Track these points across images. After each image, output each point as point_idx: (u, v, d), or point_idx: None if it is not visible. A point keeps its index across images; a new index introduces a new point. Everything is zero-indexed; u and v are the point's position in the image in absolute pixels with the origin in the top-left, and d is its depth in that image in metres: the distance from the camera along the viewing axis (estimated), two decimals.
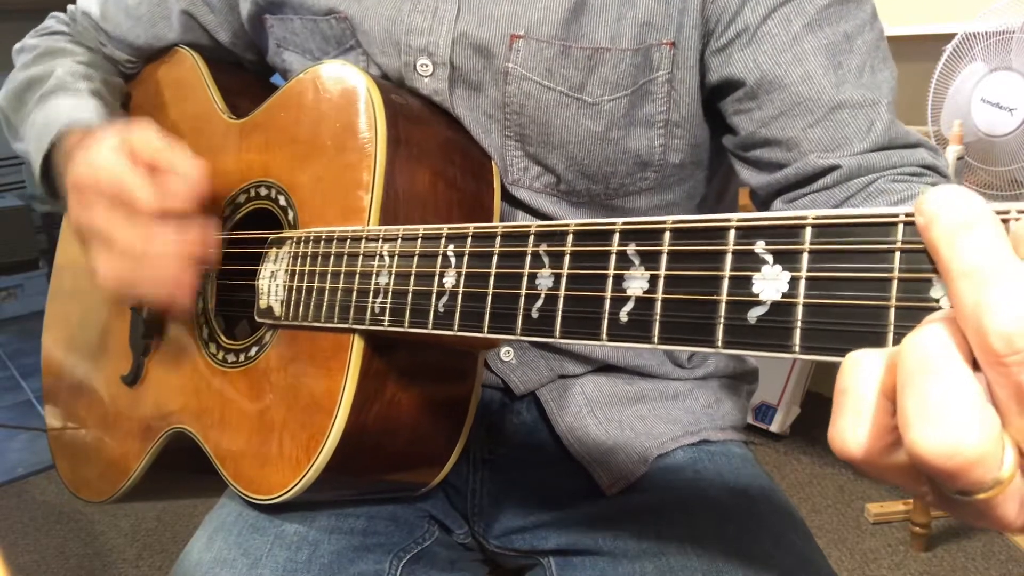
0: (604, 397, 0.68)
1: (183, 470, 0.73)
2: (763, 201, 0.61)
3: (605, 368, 0.70)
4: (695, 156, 0.64)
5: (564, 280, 0.39)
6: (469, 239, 0.45)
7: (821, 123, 0.56)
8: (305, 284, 0.57)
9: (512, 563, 0.70)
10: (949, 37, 1.56)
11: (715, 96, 0.60)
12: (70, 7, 0.83)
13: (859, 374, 0.26)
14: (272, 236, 0.61)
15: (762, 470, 0.68)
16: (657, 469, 0.66)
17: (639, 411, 0.69)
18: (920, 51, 1.68)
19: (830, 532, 1.71)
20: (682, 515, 0.61)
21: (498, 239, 0.43)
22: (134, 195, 0.56)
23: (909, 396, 0.24)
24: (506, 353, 0.67)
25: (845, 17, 0.56)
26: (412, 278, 0.48)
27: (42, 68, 0.75)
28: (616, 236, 0.37)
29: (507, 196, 0.64)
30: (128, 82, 0.83)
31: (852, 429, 0.26)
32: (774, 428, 2.07)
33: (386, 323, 0.49)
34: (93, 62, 0.79)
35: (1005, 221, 0.25)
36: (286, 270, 0.59)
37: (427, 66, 0.61)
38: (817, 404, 2.15)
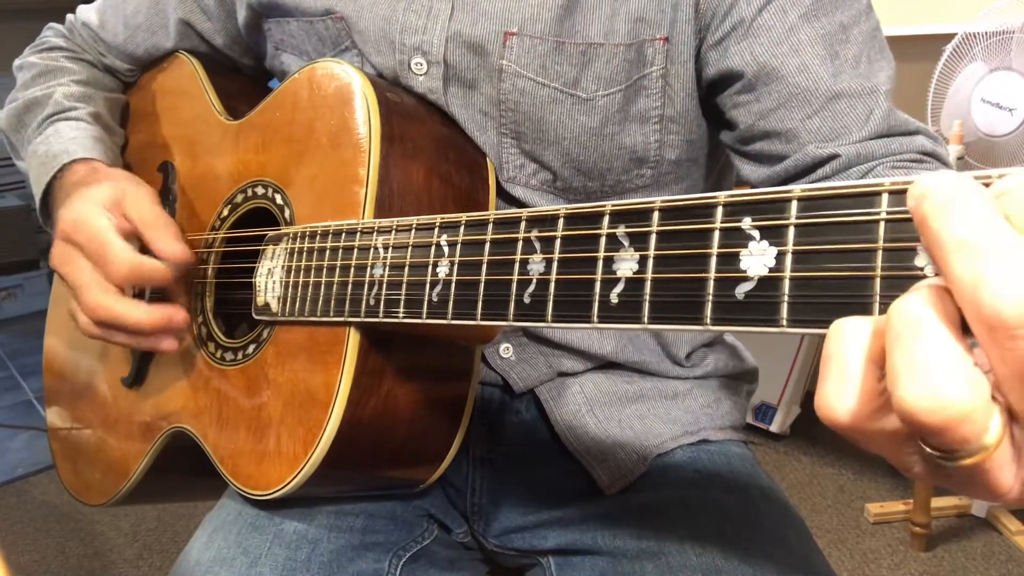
0: (603, 396, 0.68)
1: (183, 471, 0.73)
2: None
3: (604, 366, 0.70)
4: (691, 153, 0.64)
5: (555, 264, 0.39)
6: (462, 228, 0.45)
7: (819, 113, 0.56)
8: (302, 279, 0.57)
9: (511, 562, 0.70)
10: (949, 37, 1.56)
11: (713, 91, 0.61)
12: (68, 17, 0.84)
13: (844, 340, 0.26)
14: (269, 233, 0.61)
15: (761, 470, 0.68)
16: (657, 468, 0.66)
17: (638, 410, 0.69)
18: (920, 51, 1.68)
19: (830, 532, 1.70)
20: (681, 515, 0.61)
21: (490, 226, 0.43)
22: (109, 259, 0.59)
23: (897, 355, 0.24)
24: (505, 350, 0.67)
25: (840, 8, 0.56)
26: (406, 269, 0.48)
27: (41, 90, 0.76)
28: (606, 219, 0.37)
29: (503, 193, 0.64)
30: (128, 89, 0.84)
31: (838, 394, 0.26)
32: (774, 428, 2.07)
33: (382, 314, 0.50)
34: (92, 79, 0.80)
35: (986, 186, 0.25)
36: (283, 266, 0.59)
37: (421, 64, 0.61)
38: None
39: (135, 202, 0.63)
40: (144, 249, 0.62)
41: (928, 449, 0.25)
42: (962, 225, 0.23)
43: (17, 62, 0.82)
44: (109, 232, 0.60)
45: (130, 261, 0.59)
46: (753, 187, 0.62)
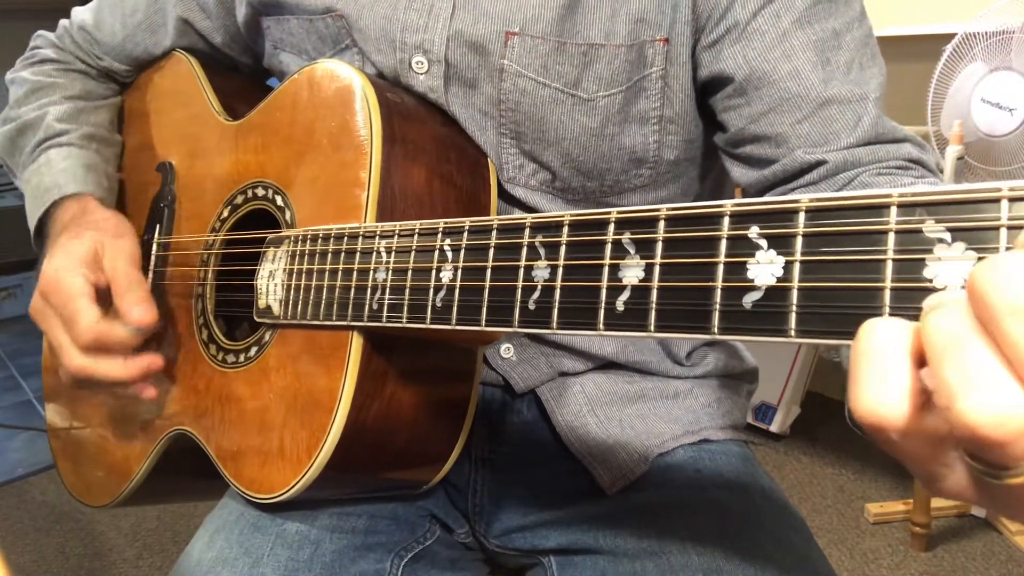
0: (604, 396, 0.68)
1: (185, 473, 0.73)
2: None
3: (605, 366, 0.70)
4: (689, 152, 0.64)
5: (560, 271, 0.39)
6: (465, 233, 0.45)
7: (809, 119, 0.56)
8: (303, 282, 0.57)
9: (513, 562, 0.70)
10: (949, 37, 1.56)
11: (705, 92, 0.61)
12: (61, 23, 0.83)
13: (881, 337, 0.26)
14: (270, 236, 0.61)
15: (762, 470, 0.68)
16: (657, 468, 0.66)
17: (639, 410, 0.69)
18: (920, 51, 1.68)
19: (830, 532, 1.71)
20: (682, 514, 0.61)
21: (494, 232, 0.43)
22: (77, 327, 0.61)
23: (948, 369, 0.23)
24: (506, 350, 0.67)
25: (834, 14, 0.56)
26: (409, 273, 0.48)
27: (34, 110, 0.77)
28: (611, 226, 0.37)
29: (503, 194, 0.64)
30: (126, 89, 0.84)
31: (880, 391, 0.25)
32: (774, 428, 2.07)
33: (384, 319, 0.49)
34: (84, 92, 0.80)
35: (997, 200, 0.25)
36: (284, 269, 0.59)
37: (422, 63, 0.61)
38: (817, 404, 2.15)
39: (111, 260, 0.64)
40: None
41: (975, 464, 0.24)
42: (1016, 289, 0.22)
43: (9, 76, 0.81)
44: (80, 298, 0.61)
45: (95, 330, 0.61)
46: (743, 189, 0.63)
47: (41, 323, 0.64)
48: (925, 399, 0.25)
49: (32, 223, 0.72)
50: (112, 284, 0.63)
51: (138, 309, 0.62)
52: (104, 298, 0.63)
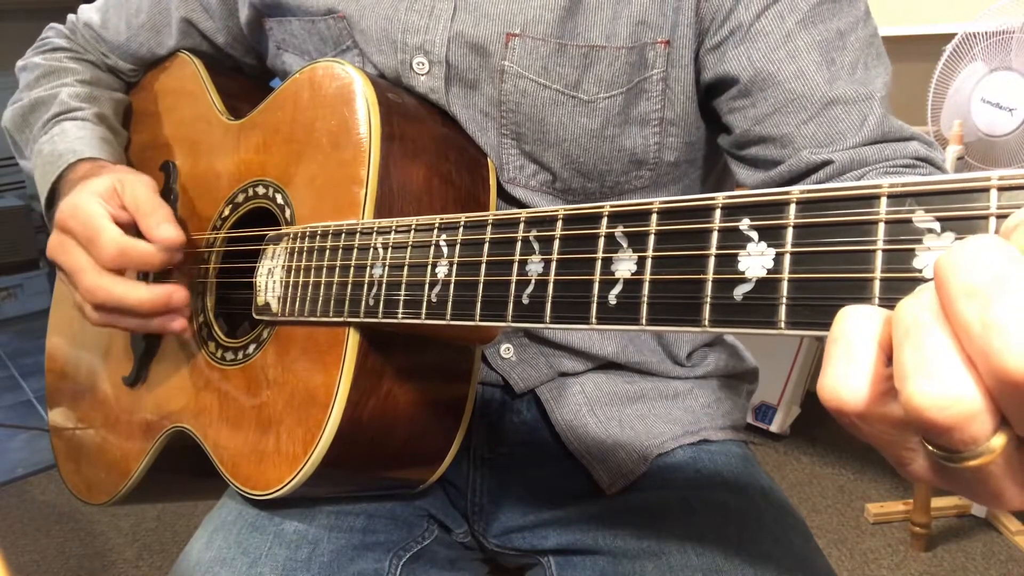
0: (604, 396, 0.68)
1: (183, 470, 0.73)
2: None
3: (605, 366, 0.70)
4: (690, 155, 0.64)
5: (554, 265, 0.39)
6: (461, 228, 0.45)
7: (815, 119, 0.56)
8: (301, 279, 0.57)
9: (512, 562, 0.70)
10: (949, 37, 1.56)
11: (710, 95, 0.61)
12: (70, 17, 0.84)
13: (852, 322, 0.26)
14: (269, 233, 0.61)
15: (762, 470, 0.68)
16: (657, 468, 0.66)
17: (639, 410, 0.69)
18: (920, 51, 1.68)
19: (830, 532, 1.71)
20: (682, 515, 0.61)
21: (489, 227, 0.43)
22: (99, 243, 0.59)
23: (906, 352, 0.24)
24: (506, 350, 0.67)
25: (838, 14, 0.56)
26: (405, 269, 0.48)
27: (46, 90, 0.77)
28: (604, 220, 0.37)
29: (503, 194, 0.64)
30: (130, 89, 0.84)
31: (844, 375, 0.26)
32: (774, 428, 2.07)
33: (380, 315, 0.50)
34: (95, 79, 0.80)
35: (986, 189, 0.25)
36: (283, 266, 0.59)
37: (423, 64, 0.62)
38: (817, 404, 2.14)
39: (131, 190, 0.63)
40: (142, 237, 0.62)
41: (932, 448, 0.25)
42: (971, 271, 0.22)
43: (20, 63, 0.82)
44: (101, 218, 0.60)
45: (118, 243, 0.59)
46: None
47: (60, 256, 0.62)
48: (889, 385, 0.25)
49: (45, 188, 0.71)
50: (135, 211, 0.62)
51: (164, 227, 0.61)
52: (126, 231, 0.61)
